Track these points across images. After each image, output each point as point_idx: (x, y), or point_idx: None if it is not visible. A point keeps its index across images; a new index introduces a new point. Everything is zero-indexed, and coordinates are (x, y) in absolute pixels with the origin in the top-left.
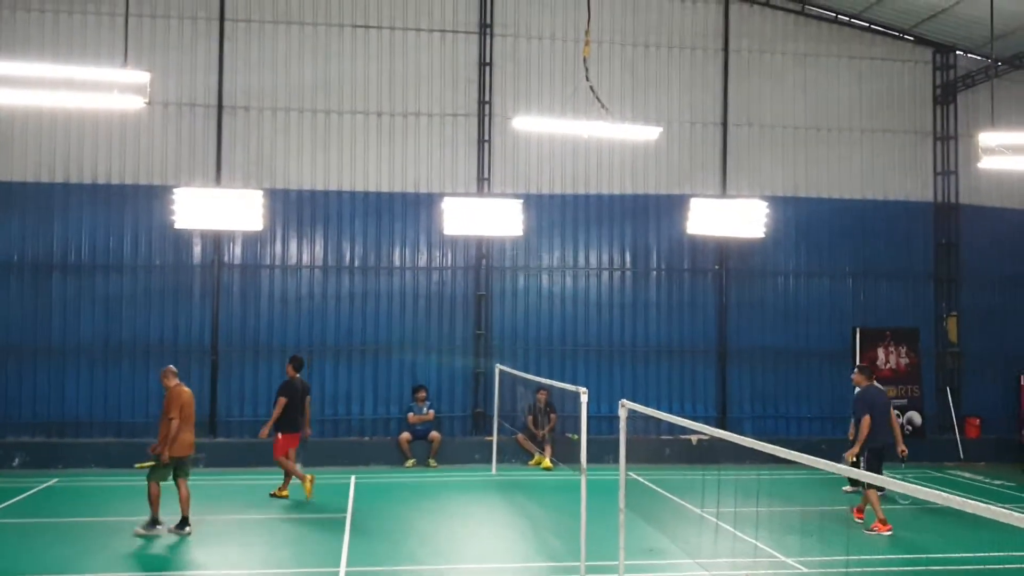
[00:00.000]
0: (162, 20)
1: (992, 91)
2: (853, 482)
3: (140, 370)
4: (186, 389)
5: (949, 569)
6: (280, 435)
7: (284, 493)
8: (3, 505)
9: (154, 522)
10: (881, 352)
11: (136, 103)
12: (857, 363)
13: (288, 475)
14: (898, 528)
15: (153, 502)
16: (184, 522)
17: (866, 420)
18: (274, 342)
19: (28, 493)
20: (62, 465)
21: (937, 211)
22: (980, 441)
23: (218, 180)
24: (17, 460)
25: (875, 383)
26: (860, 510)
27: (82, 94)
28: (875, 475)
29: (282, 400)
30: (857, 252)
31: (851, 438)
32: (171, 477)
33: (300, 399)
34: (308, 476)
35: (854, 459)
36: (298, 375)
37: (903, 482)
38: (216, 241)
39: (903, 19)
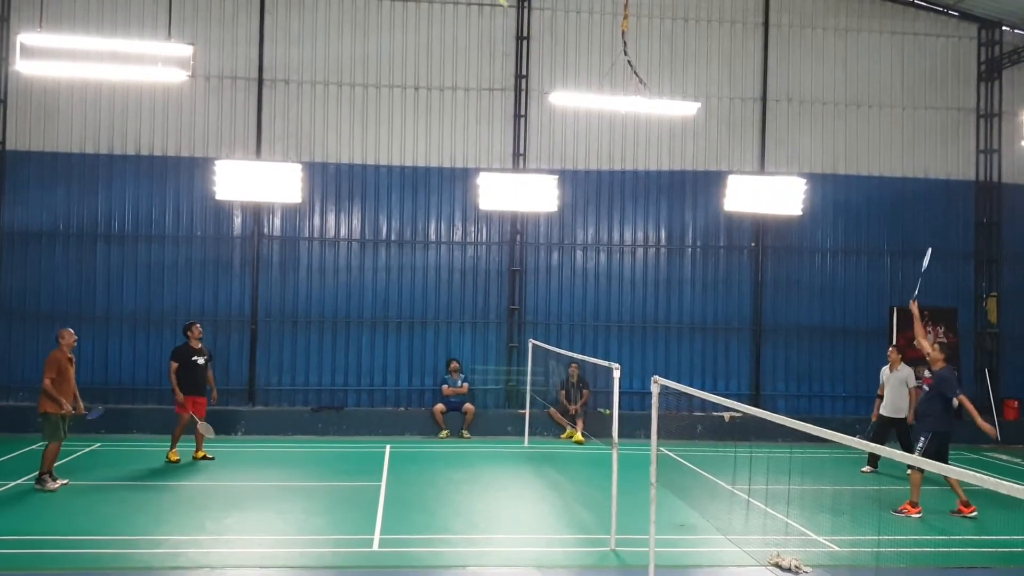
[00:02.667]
0: None
1: None
2: (871, 462)
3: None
4: (67, 353)
5: (983, 551)
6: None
7: (200, 454)
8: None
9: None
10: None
11: (179, 76)
12: (894, 343)
13: (199, 437)
14: (932, 510)
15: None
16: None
17: (964, 398)
18: (312, 313)
19: (72, 457)
20: (104, 430)
21: (979, 190)
22: (1019, 423)
23: (258, 153)
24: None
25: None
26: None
27: (127, 67)
28: (926, 459)
29: (173, 364)
30: (896, 230)
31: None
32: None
33: (194, 364)
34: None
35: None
36: (196, 342)
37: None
38: (256, 213)
39: None
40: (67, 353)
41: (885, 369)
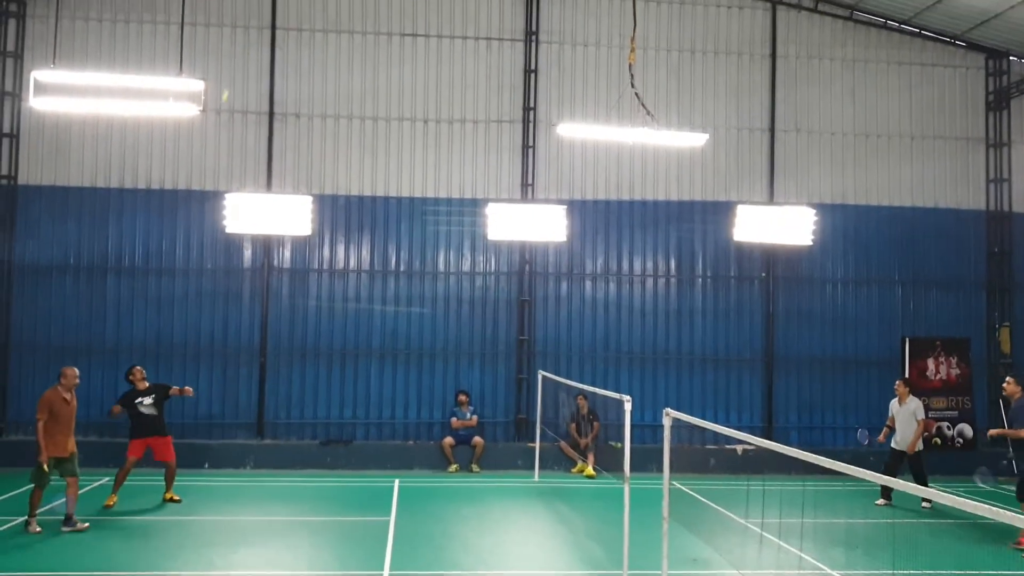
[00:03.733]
0: (215, 29)
1: None
2: (884, 495)
3: (191, 371)
4: (63, 393)
5: None
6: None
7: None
8: (57, 503)
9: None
10: (931, 362)
11: (190, 110)
12: (906, 374)
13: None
14: (946, 542)
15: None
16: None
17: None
18: (321, 345)
19: (81, 491)
20: (113, 464)
21: (989, 219)
22: None
23: (268, 185)
24: None
25: None
26: None
27: (138, 102)
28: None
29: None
30: (907, 260)
31: (991, 437)
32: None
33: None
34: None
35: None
36: (142, 383)
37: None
38: (266, 245)
39: (954, 24)
40: (62, 393)
41: (894, 402)
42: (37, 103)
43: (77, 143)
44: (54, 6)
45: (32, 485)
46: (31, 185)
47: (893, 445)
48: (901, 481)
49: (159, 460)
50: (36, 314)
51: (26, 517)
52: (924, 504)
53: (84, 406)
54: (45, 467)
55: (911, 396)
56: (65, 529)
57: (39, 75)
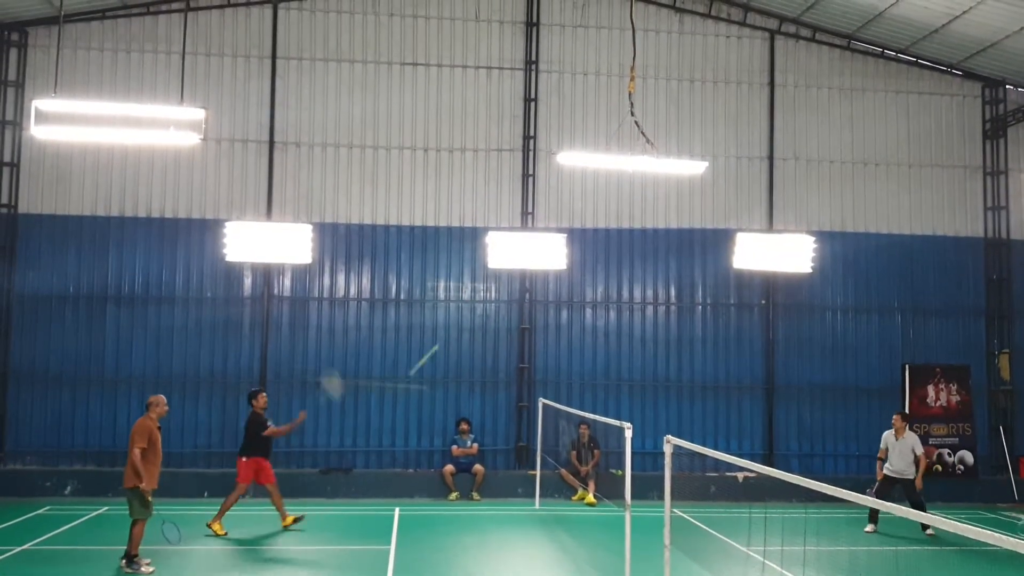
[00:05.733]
0: (216, 58)
1: None
2: (872, 520)
3: (190, 401)
4: (156, 423)
5: None
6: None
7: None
8: (55, 532)
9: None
10: (931, 390)
11: (191, 139)
12: (907, 401)
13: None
14: (946, 571)
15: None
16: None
17: None
18: (321, 374)
19: (79, 521)
20: (112, 494)
21: (988, 247)
22: None
23: (269, 214)
24: (69, 488)
25: None
26: None
27: (139, 130)
28: (915, 511)
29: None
30: (906, 288)
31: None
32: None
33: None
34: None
35: None
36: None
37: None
38: (266, 274)
39: (951, 54)
40: (156, 422)
41: (889, 434)
42: (38, 132)
43: (78, 172)
44: (56, 36)
45: (133, 519)
46: (31, 214)
47: (887, 472)
48: (893, 505)
49: (264, 483)
50: (36, 343)
51: (127, 554)
52: (928, 532)
53: (83, 434)
54: (149, 497)
55: (908, 431)
56: (129, 570)
57: (40, 104)
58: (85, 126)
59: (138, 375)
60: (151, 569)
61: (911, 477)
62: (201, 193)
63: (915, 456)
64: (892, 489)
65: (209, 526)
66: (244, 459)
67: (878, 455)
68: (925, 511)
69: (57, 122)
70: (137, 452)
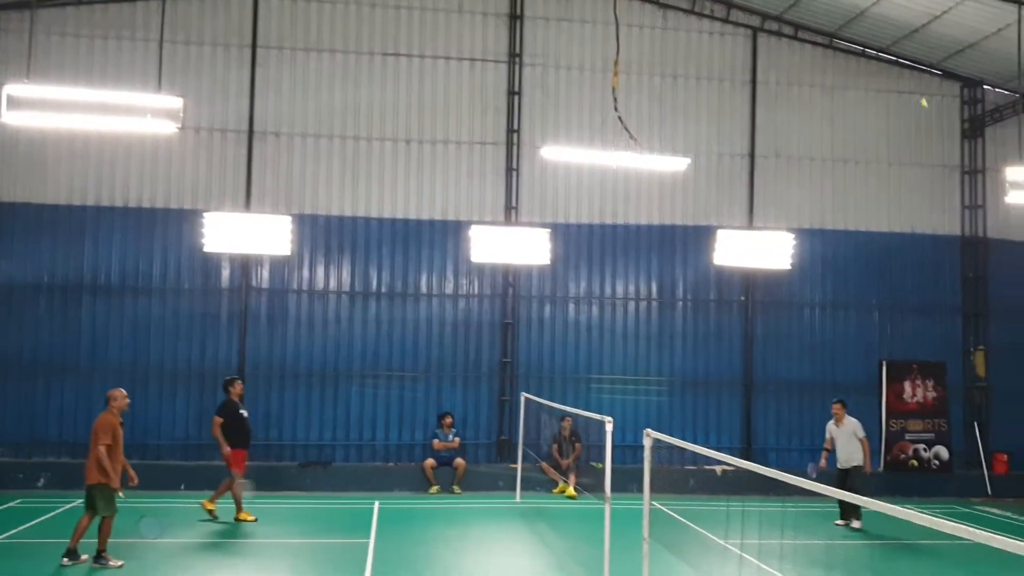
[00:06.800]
0: (195, 47)
1: (1020, 125)
2: (843, 515)
3: (167, 393)
4: (118, 417)
5: None
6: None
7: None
8: (27, 525)
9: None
10: (908, 386)
11: (168, 128)
12: (883, 397)
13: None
14: (923, 564)
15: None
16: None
17: None
18: (300, 367)
19: (52, 514)
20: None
21: (964, 245)
22: (1008, 477)
23: (247, 205)
24: (42, 480)
25: None
26: None
27: (115, 118)
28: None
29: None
30: (884, 285)
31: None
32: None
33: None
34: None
35: None
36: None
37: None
38: (244, 265)
39: (931, 53)
40: (118, 416)
41: (831, 424)
42: (10, 118)
43: (52, 160)
44: (28, 20)
45: (100, 516)
46: (4, 202)
47: (838, 466)
48: (862, 498)
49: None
50: (9, 333)
51: (97, 551)
52: (838, 522)
53: (57, 426)
54: (121, 493)
55: (848, 417)
56: (97, 565)
57: (12, 89)
58: (60, 112)
59: (114, 366)
60: (120, 563)
61: (859, 463)
62: (179, 183)
63: (857, 439)
64: (845, 484)
65: (237, 519)
66: (231, 450)
67: (824, 446)
68: (859, 505)
69: (30, 108)
70: (103, 449)
